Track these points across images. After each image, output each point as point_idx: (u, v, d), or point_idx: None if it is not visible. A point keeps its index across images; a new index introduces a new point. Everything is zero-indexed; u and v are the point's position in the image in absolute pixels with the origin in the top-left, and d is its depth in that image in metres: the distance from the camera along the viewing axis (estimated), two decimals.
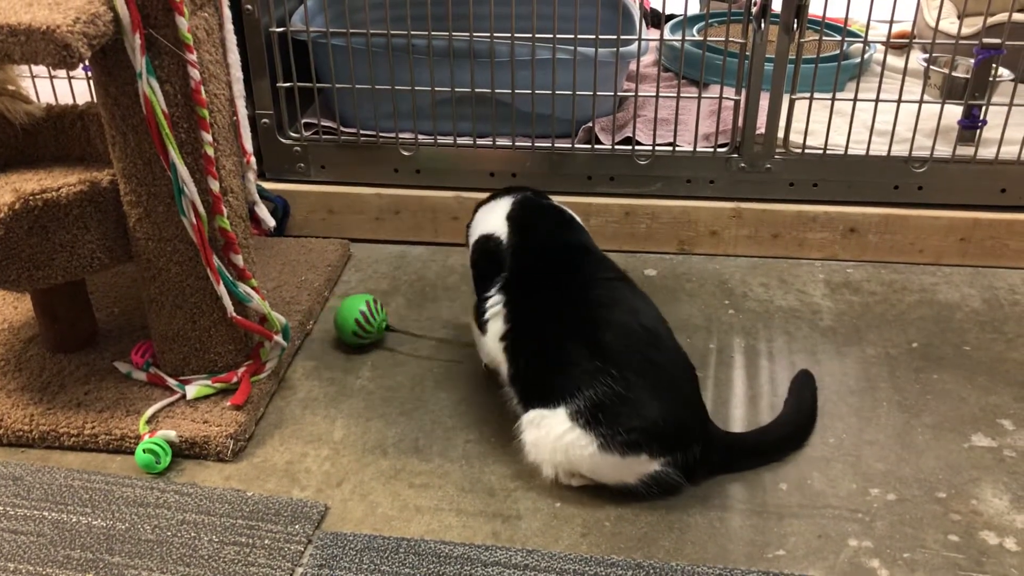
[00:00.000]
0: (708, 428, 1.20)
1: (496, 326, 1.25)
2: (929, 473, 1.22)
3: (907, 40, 1.72)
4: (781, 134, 1.65)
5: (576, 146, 1.70)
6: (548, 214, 1.37)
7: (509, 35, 1.58)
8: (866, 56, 1.98)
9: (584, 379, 1.12)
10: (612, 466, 1.14)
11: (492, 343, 1.26)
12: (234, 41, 1.31)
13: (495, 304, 1.26)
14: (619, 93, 1.72)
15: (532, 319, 1.22)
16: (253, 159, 1.38)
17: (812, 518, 1.15)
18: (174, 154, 1.17)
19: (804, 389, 1.35)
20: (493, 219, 1.34)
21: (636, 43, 1.69)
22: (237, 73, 1.32)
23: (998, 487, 1.20)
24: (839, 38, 2.03)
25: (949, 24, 1.89)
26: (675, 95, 1.66)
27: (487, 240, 1.32)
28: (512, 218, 1.33)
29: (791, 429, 1.28)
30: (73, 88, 1.77)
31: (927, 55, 1.77)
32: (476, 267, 1.34)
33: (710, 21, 2.19)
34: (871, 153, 1.63)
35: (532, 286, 1.25)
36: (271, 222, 1.43)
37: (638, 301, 1.22)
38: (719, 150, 1.67)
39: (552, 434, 1.14)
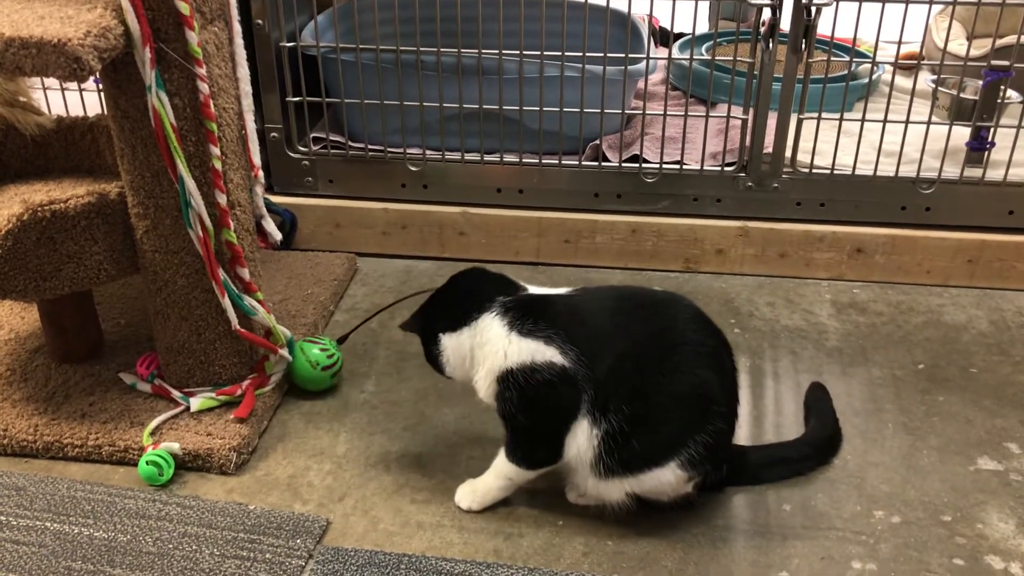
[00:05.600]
0: (732, 449, 1.21)
1: (590, 428, 1.09)
2: (934, 496, 1.21)
3: (915, 61, 1.72)
4: (789, 153, 1.65)
5: (583, 163, 1.70)
6: (560, 300, 1.16)
7: (518, 52, 1.58)
8: (874, 77, 1.98)
9: (689, 435, 1.08)
10: (669, 490, 1.13)
11: (580, 445, 1.10)
12: (244, 55, 1.31)
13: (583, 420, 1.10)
14: (627, 111, 1.73)
15: (632, 408, 1.07)
16: (261, 173, 1.38)
17: (816, 539, 1.15)
18: (182, 167, 1.18)
19: (822, 403, 1.35)
20: (523, 344, 1.10)
21: (644, 61, 1.69)
22: (246, 87, 1.33)
23: (1004, 511, 1.19)
24: (847, 58, 2.04)
25: (958, 45, 1.89)
26: (683, 113, 1.66)
27: (540, 372, 1.08)
28: (549, 331, 1.09)
29: (814, 442, 1.28)
30: (84, 100, 1.78)
31: (936, 76, 1.77)
32: (542, 412, 1.11)
33: (719, 40, 2.20)
34: (879, 173, 1.63)
35: (620, 379, 1.08)
36: (278, 236, 1.44)
37: (717, 338, 1.15)
38: (726, 169, 1.67)
39: (659, 481, 1.10)
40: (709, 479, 1.16)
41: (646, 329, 1.12)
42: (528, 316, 1.11)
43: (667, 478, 1.10)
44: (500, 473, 1.18)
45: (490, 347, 1.12)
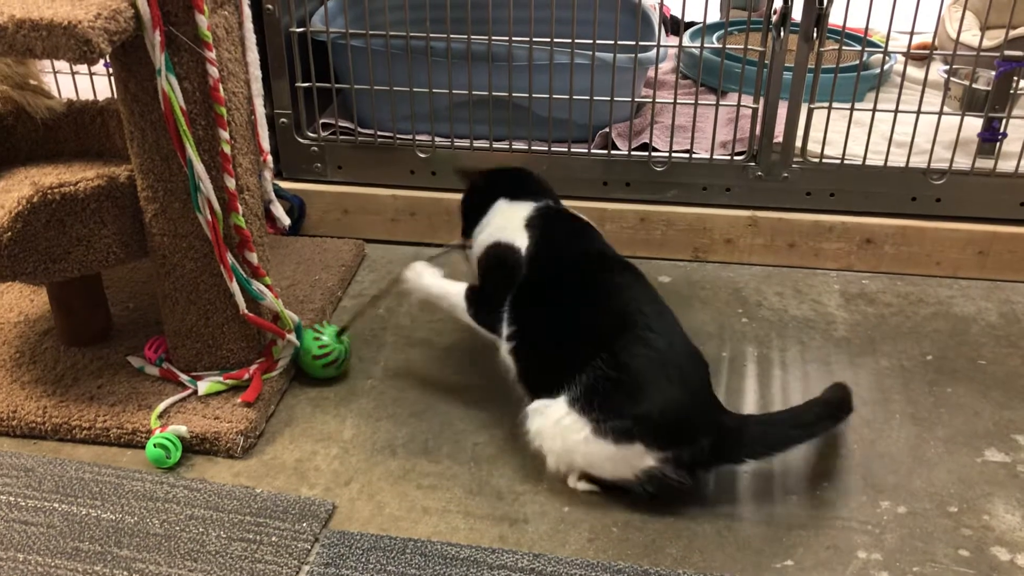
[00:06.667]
0: (719, 418, 1.16)
1: (504, 329, 1.25)
2: (941, 487, 1.21)
3: (928, 51, 1.71)
4: (799, 143, 1.64)
5: (592, 151, 1.70)
6: (568, 225, 1.35)
7: (528, 39, 1.58)
8: (886, 67, 1.97)
9: (579, 363, 1.14)
10: (606, 456, 1.13)
11: (502, 346, 1.27)
12: (253, 40, 1.31)
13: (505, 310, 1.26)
14: (637, 99, 1.72)
15: (538, 316, 1.23)
16: (270, 158, 1.38)
17: (821, 529, 1.15)
18: (191, 151, 1.18)
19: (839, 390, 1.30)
20: (512, 227, 1.31)
21: (655, 49, 1.68)
22: (256, 72, 1.33)
23: (1011, 503, 1.18)
24: (859, 48, 2.02)
25: (970, 36, 1.88)
26: (693, 102, 1.66)
27: (507, 250, 1.29)
28: (533, 228, 1.29)
29: (820, 408, 1.22)
30: (94, 84, 1.78)
31: (948, 66, 1.76)
32: (490, 274, 1.32)
33: (729, 29, 2.18)
34: (889, 164, 1.62)
35: (542, 288, 1.25)
36: (286, 221, 1.44)
37: (641, 291, 1.22)
38: (736, 158, 1.67)
39: (551, 420, 1.15)
40: (685, 456, 1.11)
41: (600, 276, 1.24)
42: (539, 220, 1.31)
43: (560, 415, 1.13)
44: (450, 296, 1.32)
45: (502, 221, 1.33)
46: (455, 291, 1.32)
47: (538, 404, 1.18)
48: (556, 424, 1.15)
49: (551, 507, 1.18)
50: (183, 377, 1.35)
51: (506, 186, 1.38)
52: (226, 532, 1.14)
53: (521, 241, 1.28)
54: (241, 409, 1.30)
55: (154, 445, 1.24)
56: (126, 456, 1.27)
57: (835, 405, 1.24)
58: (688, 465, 1.12)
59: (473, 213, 1.38)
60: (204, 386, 1.33)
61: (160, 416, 1.29)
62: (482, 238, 1.34)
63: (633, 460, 1.13)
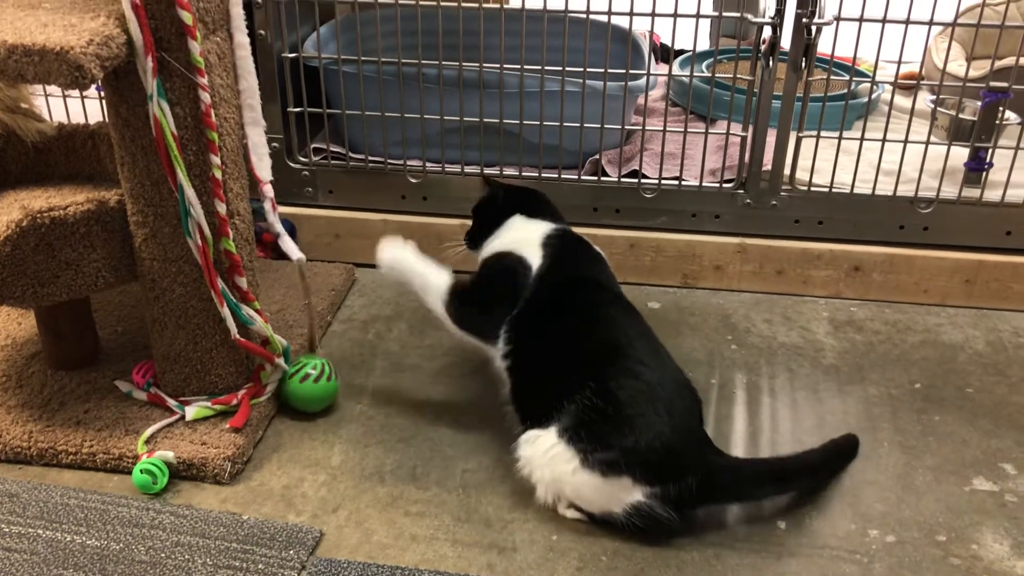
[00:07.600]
0: (709, 458, 1.16)
1: (502, 345, 1.27)
2: (929, 516, 1.21)
3: (915, 81, 1.73)
4: (787, 171, 1.65)
5: (582, 177, 1.71)
6: (583, 251, 1.36)
7: (519, 66, 1.59)
8: (874, 96, 1.99)
9: (569, 392, 1.14)
10: (594, 488, 1.13)
11: (497, 360, 1.28)
12: (252, 67, 1.30)
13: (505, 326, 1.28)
14: (627, 126, 1.73)
15: (534, 338, 1.24)
16: (269, 187, 1.33)
17: (810, 558, 1.14)
18: (182, 176, 1.18)
19: (844, 442, 1.31)
20: (529, 242, 1.32)
21: (645, 77, 1.70)
22: (251, 100, 1.30)
23: (999, 532, 1.18)
24: (847, 77, 2.04)
25: (957, 66, 1.90)
26: (682, 130, 1.67)
27: (517, 263, 1.29)
28: (549, 247, 1.31)
29: (814, 461, 1.24)
30: (85, 107, 1.79)
31: (935, 96, 1.78)
32: (491, 279, 1.32)
33: (719, 57, 2.20)
34: (877, 192, 1.63)
35: (543, 310, 1.25)
36: (298, 255, 1.38)
37: (634, 324, 1.23)
38: (725, 185, 1.68)
39: (540, 449, 1.16)
40: (672, 492, 1.11)
41: (610, 315, 1.24)
42: (557, 241, 1.32)
43: (549, 445, 1.13)
44: (429, 279, 1.32)
45: (519, 235, 1.34)
46: (436, 276, 1.32)
47: (530, 434, 1.18)
48: (545, 453, 1.15)
49: (540, 535, 1.18)
50: (171, 402, 1.34)
51: (525, 203, 1.40)
52: (212, 559, 1.13)
53: (535, 257, 1.29)
54: (229, 435, 1.29)
55: (141, 471, 1.23)
56: (112, 482, 1.26)
57: (830, 464, 1.27)
58: (675, 502, 1.12)
59: (488, 221, 1.40)
60: (192, 411, 1.32)
61: (147, 441, 1.28)
62: (494, 244, 1.35)
63: (621, 494, 1.12)
